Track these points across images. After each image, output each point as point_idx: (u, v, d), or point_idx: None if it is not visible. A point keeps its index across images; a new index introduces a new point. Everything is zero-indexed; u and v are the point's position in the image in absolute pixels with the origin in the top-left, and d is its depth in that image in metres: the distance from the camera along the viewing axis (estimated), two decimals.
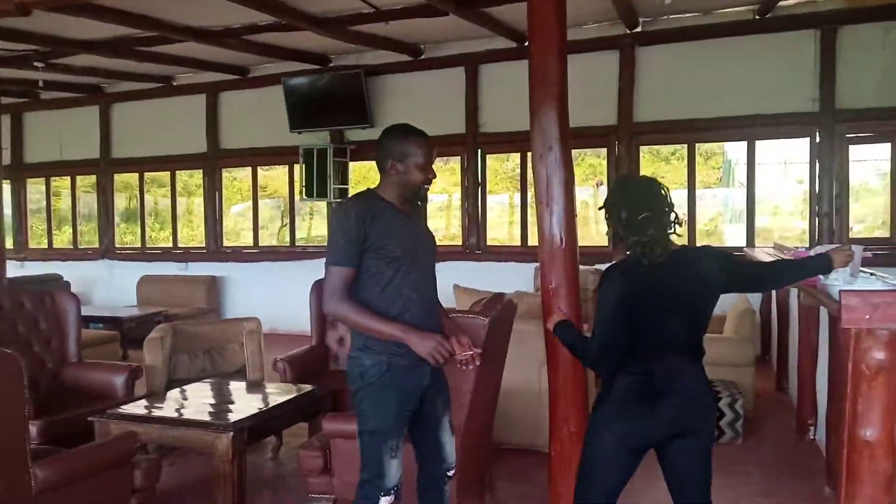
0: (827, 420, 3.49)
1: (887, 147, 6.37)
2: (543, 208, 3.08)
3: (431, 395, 2.42)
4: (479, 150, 7.61)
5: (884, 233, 6.86)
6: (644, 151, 7.22)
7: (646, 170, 7.57)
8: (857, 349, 2.48)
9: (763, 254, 5.54)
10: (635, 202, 2.20)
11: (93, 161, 9.43)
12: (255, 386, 4.14)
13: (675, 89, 6.75)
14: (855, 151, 6.46)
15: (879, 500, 2.45)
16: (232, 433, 3.12)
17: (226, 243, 9.11)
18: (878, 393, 2.45)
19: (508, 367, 3.39)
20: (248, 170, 9.04)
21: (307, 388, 3.90)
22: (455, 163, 8.15)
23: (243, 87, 8.55)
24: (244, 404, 3.63)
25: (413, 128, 2.42)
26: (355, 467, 2.92)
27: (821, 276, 2.70)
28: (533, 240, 7.84)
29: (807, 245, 6.42)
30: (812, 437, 4.19)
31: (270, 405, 3.55)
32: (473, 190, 7.67)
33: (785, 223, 9.53)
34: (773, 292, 5.23)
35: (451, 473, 2.53)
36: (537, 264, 7.23)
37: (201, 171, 8.99)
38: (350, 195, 2.38)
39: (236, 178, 10.47)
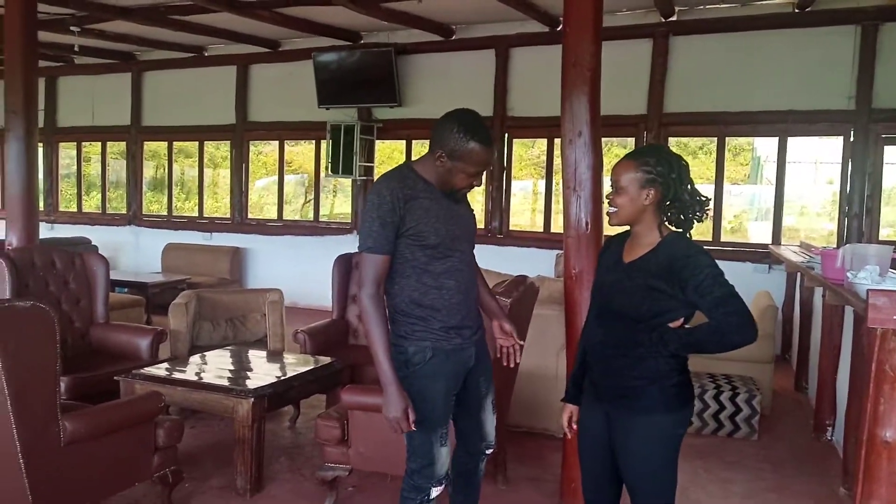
0: (846, 421, 3.47)
1: None
2: (570, 193, 3.09)
3: (475, 375, 2.35)
4: (506, 135, 7.59)
5: None
6: (672, 143, 7.14)
7: None
8: (882, 349, 2.47)
9: (789, 252, 5.49)
10: (688, 172, 2.07)
11: (123, 128, 9.56)
12: (275, 355, 4.21)
13: (707, 81, 6.65)
14: (889, 152, 6.32)
15: None
16: (252, 399, 3.18)
17: (250, 216, 9.20)
18: None
19: (526, 351, 3.41)
20: (274, 144, 9.11)
21: (326, 360, 3.96)
22: None
23: (274, 61, 8.58)
24: (265, 372, 3.69)
25: (480, 129, 2.14)
26: (372, 439, 2.99)
27: (848, 274, 2.69)
28: (556, 227, 7.83)
29: (834, 245, 6.34)
30: (829, 438, 4.16)
31: (290, 374, 3.61)
32: (498, 174, 7.66)
33: (811, 223, 9.39)
34: (798, 291, 5.18)
35: (489, 451, 2.48)
36: (559, 251, 7.27)
37: (229, 142, 9.06)
38: (385, 172, 2.21)
39: (262, 153, 10.54)
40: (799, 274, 5.20)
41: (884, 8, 6.05)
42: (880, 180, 6.32)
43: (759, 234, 9.19)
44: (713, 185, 6.85)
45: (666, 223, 2.09)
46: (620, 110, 6.62)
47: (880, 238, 6.38)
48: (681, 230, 2.07)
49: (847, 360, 3.93)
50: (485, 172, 2.29)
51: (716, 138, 7.04)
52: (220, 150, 10.07)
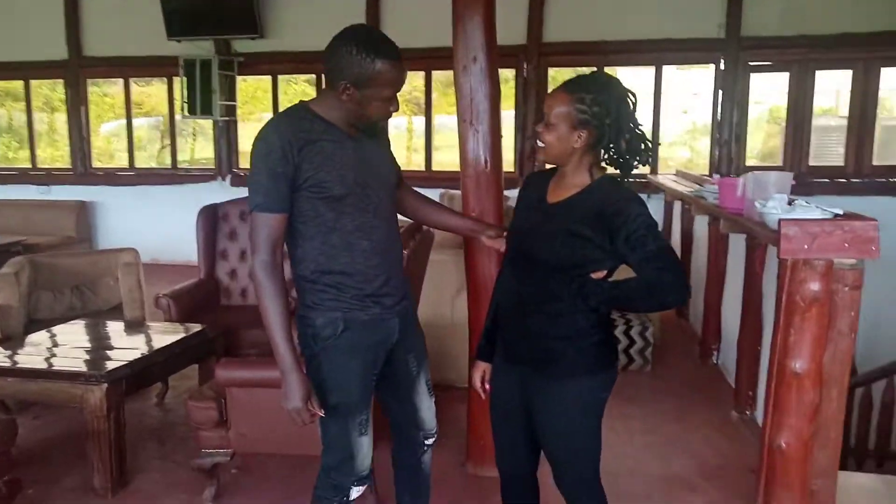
0: (738, 347, 3.50)
1: (785, 76, 6.45)
2: (467, 127, 2.77)
3: (401, 351, 2.03)
4: None
5: (775, 162, 7.09)
6: (551, 74, 6.97)
7: None
8: (793, 280, 2.38)
9: (669, 181, 5.53)
10: (631, 113, 1.76)
11: None
12: (134, 326, 3.66)
13: (585, 10, 6.49)
14: (756, 80, 6.50)
15: (804, 430, 2.41)
16: (106, 385, 2.68)
17: (96, 165, 8.16)
18: (810, 324, 2.37)
19: (422, 300, 3.13)
20: (120, 83, 8.04)
21: (196, 327, 3.48)
22: None
23: None
24: (121, 348, 3.17)
25: (384, 43, 1.75)
26: (255, 417, 2.61)
27: (757, 204, 2.59)
28: (436, 165, 7.53)
29: (707, 173, 6.51)
30: (716, 362, 4.27)
31: (153, 349, 3.11)
32: None
33: (671, 152, 9.72)
34: (679, 219, 5.25)
35: (430, 442, 2.17)
36: (442, 189, 6.96)
37: (62, 81, 7.90)
38: (274, 115, 1.90)
39: (107, 94, 9.35)
40: (679, 202, 5.26)
41: None
42: (747, 108, 6.51)
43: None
44: None
45: (600, 164, 1.82)
46: (498, 40, 6.30)
47: (747, 165, 6.62)
48: (616, 172, 1.81)
49: (732, 288, 3.99)
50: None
51: (595, 68, 6.93)
52: (56, 92, 8.79)
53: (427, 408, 2.14)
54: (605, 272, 1.79)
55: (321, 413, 1.84)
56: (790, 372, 2.35)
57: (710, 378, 4.09)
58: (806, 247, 2.29)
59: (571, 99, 1.73)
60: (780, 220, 2.32)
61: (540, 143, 1.82)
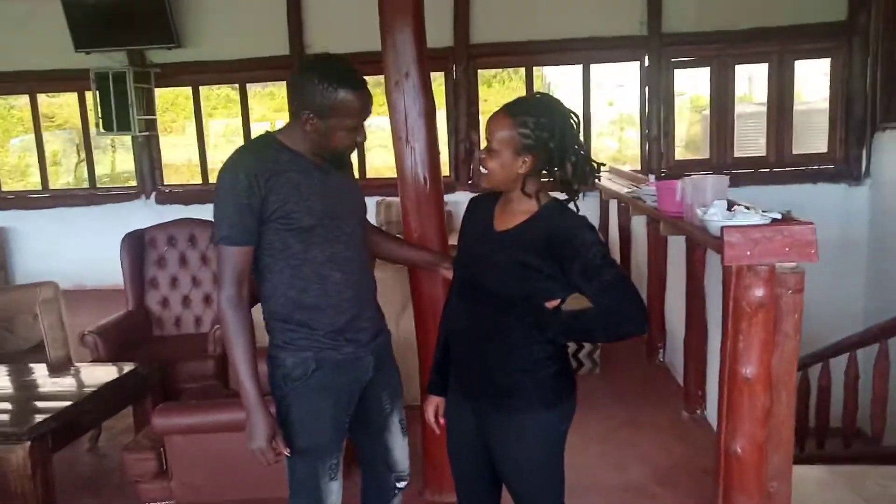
0: (685, 347, 3.55)
1: (706, 71, 6.62)
2: (403, 145, 2.67)
3: (375, 389, 1.95)
4: None
5: (701, 153, 7.29)
6: (480, 75, 6.94)
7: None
8: (738, 286, 2.40)
9: (604, 180, 5.58)
10: (575, 134, 1.71)
11: None
12: (59, 369, 3.41)
13: (511, 9, 6.48)
14: (679, 76, 6.65)
15: (758, 434, 2.44)
16: (29, 442, 2.47)
17: (7, 187, 7.65)
18: (757, 329, 2.39)
19: None
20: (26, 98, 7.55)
21: (128, 366, 3.26)
22: (275, 88, 7.37)
23: None
24: (45, 397, 2.94)
25: (346, 72, 1.73)
26: (200, 465, 2.46)
27: (698, 211, 2.60)
28: (371, 172, 7.40)
29: (638, 167, 6.62)
30: (662, 360, 4.33)
31: (82, 396, 2.89)
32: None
33: (602, 143, 9.88)
34: (617, 218, 5.31)
35: (401, 485, 2.09)
36: (378, 197, 6.83)
37: None
38: (240, 146, 1.85)
39: (14, 107, 8.79)
40: (615, 200, 5.32)
41: None
42: (673, 103, 6.65)
43: None
44: None
45: (546, 188, 1.76)
46: (428, 43, 6.23)
47: (676, 158, 6.78)
48: (563, 197, 1.76)
49: (673, 287, 4.05)
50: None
51: (523, 69, 6.96)
52: None
53: (400, 447, 2.06)
54: (558, 301, 1.75)
55: (286, 452, 1.79)
56: (741, 378, 2.37)
57: (657, 377, 4.15)
58: (749, 253, 2.31)
59: (514, 123, 1.67)
60: (722, 228, 2.33)
61: (483, 170, 1.76)
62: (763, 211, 2.46)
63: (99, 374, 3.17)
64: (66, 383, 3.15)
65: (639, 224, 4.75)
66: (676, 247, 3.86)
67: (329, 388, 1.83)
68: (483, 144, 1.76)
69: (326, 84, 1.70)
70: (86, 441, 3.51)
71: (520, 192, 1.73)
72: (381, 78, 2.68)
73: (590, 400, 3.75)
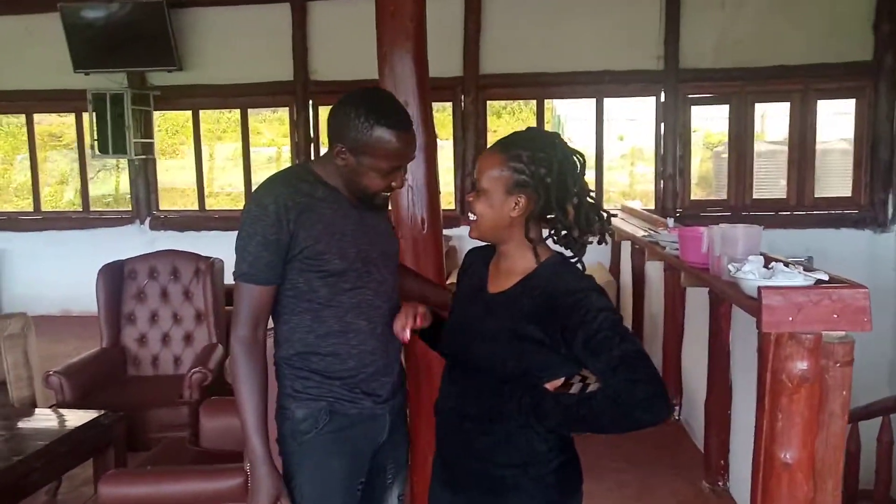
0: (707, 410, 3.22)
1: (725, 108, 6.37)
2: None
3: (382, 455, 1.71)
4: (311, 101, 6.69)
5: (714, 190, 7.02)
6: (490, 106, 6.72)
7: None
8: (778, 357, 2.06)
9: (617, 220, 5.30)
10: (579, 172, 1.45)
11: None
12: (14, 416, 3.09)
13: (523, 41, 6.26)
14: (696, 113, 6.41)
15: None
16: None
17: (1, 208, 7.43)
18: (800, 407, 2.08)
19: None
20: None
21: (90, 414, 2.96)
22: (284, 113, 7.18)
23: (6, 13, 6.83)
24: None
25: (389, 110, 1.56)
26: None
27: (730, 267, 2.30)
28: None
29: (652, 206, 6.34)
30: (677, 418, 3.99)
31: (30, 452, 2.57)
32: (305, 145, 6.76)
33: (613, 177, 9.66)
34: (630, 261, 5.00)
35: None
36: None
37: None
38: (272, 175, 1.64)
39: (11, 124, 8.64)
40: (630, 242, 5.02)
41: None
42: (689, 140, 6.40)
43: None
44: None
45: (544, 241, 1.49)
46: (434, 72, 6.00)
47: (692, 198, 6.50)
48: (566, 253, 1.48)
49: (692, 339, 3.74)
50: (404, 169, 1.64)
51: (534, 101, 6.73)
52: None
53: None
54: (561, 380, 1.44)
55: None
56: (780, 462, 2.06)
57: (672, 437, 3.80)
58: (791, 319, 2.01)
59: (505, 158, 1.43)
60: (759, 289, 2.03)
61: (472, 216, 1.49)
62: (805, 269, 2.16)
63: (55, 425, 2.86)
64: (15, 435, 2.83)
65: (654, 269, 4.44)
66: (697, 297, 3.56)
67: (342, 445, 1.61)
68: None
69: (363, 119, 1.52)
70: (43, 493, 3.19)
71: (515, 244, 1.47)
72: None
73: (597, 468, 3.41)
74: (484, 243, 1.57)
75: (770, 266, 2.19)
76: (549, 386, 1.42)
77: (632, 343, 1.36)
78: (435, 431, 1.59)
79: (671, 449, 3.65)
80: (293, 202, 1.53)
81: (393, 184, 1.61)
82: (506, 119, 9.59)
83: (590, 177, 6.71)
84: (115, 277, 3.87)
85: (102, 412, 2.99)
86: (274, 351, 1.65)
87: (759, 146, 6.56)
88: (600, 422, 1.42)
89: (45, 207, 7.54)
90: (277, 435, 1.64)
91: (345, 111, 1.55)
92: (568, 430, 1.47)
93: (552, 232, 1.47)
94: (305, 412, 1.60)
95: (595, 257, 5.07)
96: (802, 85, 6.09)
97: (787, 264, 2.18)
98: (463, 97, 6.43)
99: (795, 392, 2.02)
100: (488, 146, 1.52)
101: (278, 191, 1.55)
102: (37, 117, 7.62)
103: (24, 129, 7.45)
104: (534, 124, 6.77)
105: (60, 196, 9.25)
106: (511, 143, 1.45)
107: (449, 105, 6.56)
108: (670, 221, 4.17)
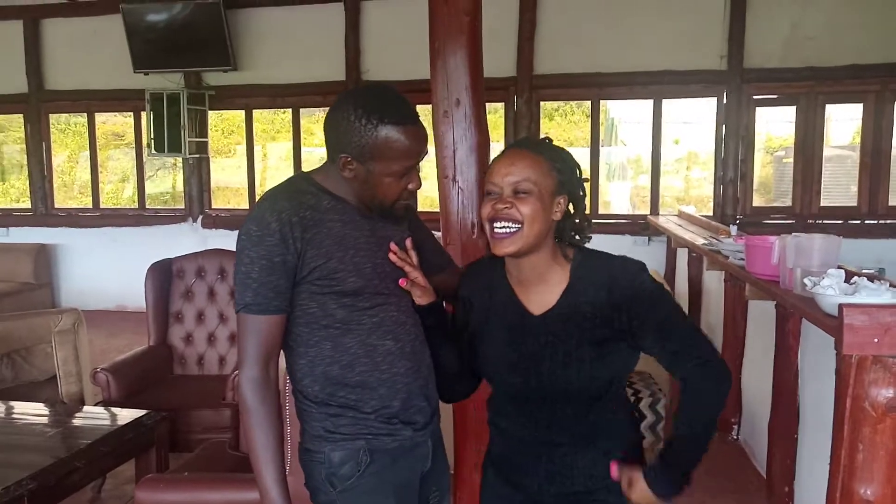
0: (770, 432, 3.01)
1: (792, 110, 6.06)
2: (449, 184, 2.29)
3: (426, 485, 1.56)
4: None
5: (782, 200, 6.68)
6: (543, 107, 6.55)
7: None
8: (860, 382, 1.87)
9: (673, 225, 5.08)
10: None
11: None
12: (58, 413, 3.10)
13: (578, 39, 6.09)
14: (760, 114, 6.11)
15: None
16: None
17: (57, 205, 7.62)
18: (884, 439, 1.88)
19: None
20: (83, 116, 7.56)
21: (134, 414, 2.93)
22: None
23: (72, 15, 7.02)
24: (31, 448, 2.62)
25: (391, 105, 1.38)
26: None
27: (806, 281, 2.11)
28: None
29: (710, 213, 6.08)
30: (735, 437, 3.77)
31: (72, 451, 2.55)
32: None
33: (667, 182, 9.37)
34: (687, 269, 4.77)
35: None
36: None
37: (22, 116, 7.41)
38: (270, 189, 1.45)
39: (77, 123, 8.89)
40: (687, 250, 4.80)
41: None
42: (753, 143, 6.11)
43: (617, 197, 9.03)
44: (588, 150, 6.35)
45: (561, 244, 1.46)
46: (487, 72, 5.88)
47: (754, 205, 6.20)
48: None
49: (755, 355, 3.52)
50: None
51: (587, 102, 6.55)
52: (13, 126, 8.28)
53: None
54: (615, 464, 1.44)
55: None
56: (859, 499, 1.87)
57: (731, 458, 3.58)
58: (876, 340, 1.82)
59: (545, 159, 1.38)
60: (840, 306, 1.85)
61: (506, 228, 1.36)
62: (892, 285, 1.96)
63: (99, 423, 2.85)
64: (60, 432, 2.83)
65: (714, 279, 4.22)
66: (761, 310, 3.34)
67: (387, 485, 1.44)
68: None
69: (365, 120, 1.35)
70: (88, 490, 3.20)
71: (545, 251, 1.41)
72: (430, 107, 2.33)
73: None
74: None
75: (852, 281, 2.00)
76: (613, 476, 1.43)
77: (684, 315, 1.44)
78: (497, 452, 1.55)
79: (729, 471, 3.44)
80: (298, 217, 1.36)
81: (410, 186, 1.44)
82: (558, 121, 9.40)
83: (645, 181, 6.59)
84: (163, 276, 3.87)
85: (146, 412, 2.96)
86: (292, 388, 1.50)
87: (826, 151, 6.21)
88: (703, 423, 1.45)
89: (105, 204, 7.72)
90: (308, 484, 1.47)
91: (342, 116, 1.38)
92: (703, 452, 1.47)
93: (565, 234, 1.45)
94: (343, 454, 1.42)
95: (650, 264, 4.87)
96: (879, 85, 5.73)
97: (871, 279, 1.99)
98: (516, 98, 6.29)
99: (880, 422, 1.83)
100: (503, 149, 1.46)
101: (280, 206, 1.37)
102: (103, 116, 7.83)
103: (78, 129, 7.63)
104: (587, 127, 6.60)
105: (121, 193, 9.48)
106: (535, 145, 1.42)
107: (501, 106, 6.43)
108: (733, 229, 3.94)
